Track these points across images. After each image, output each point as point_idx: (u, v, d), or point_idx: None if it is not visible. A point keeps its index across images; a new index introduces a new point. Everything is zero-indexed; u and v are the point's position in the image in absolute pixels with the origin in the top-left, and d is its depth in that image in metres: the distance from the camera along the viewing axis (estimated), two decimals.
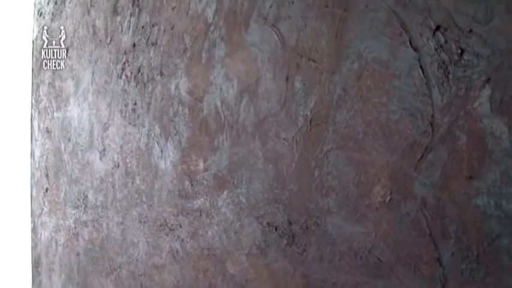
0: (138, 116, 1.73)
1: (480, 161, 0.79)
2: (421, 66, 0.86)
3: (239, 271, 1.28)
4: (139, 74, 1.71)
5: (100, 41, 2.02)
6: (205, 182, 1.40)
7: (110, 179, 1.94)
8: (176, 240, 1.54)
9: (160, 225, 1.63)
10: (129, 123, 1.78)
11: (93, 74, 2.08)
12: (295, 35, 1.09)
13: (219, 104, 1.33)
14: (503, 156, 0.77)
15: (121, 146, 1.85)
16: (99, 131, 2.02)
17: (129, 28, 1.79)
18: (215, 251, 1.37)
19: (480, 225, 0.80)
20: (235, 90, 1.27)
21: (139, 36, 1.72)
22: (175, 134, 1.52)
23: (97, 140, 2.05)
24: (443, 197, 0.84)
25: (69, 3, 2.31)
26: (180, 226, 1.52)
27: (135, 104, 1.74)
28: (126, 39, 1.81)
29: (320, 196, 1.05)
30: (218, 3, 1.33)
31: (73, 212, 2.29)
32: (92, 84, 2.09)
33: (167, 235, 1.59)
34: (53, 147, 2.48)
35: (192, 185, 1.45)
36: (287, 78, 1.11)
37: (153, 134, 1.64)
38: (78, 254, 2.27)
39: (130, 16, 1.78)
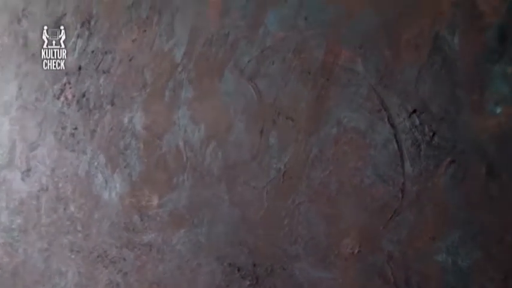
0: (78, 142, 1.68)
1: (442, 225, 0.95)
2: (396, 141, 1.00)
3: None
4: (84, 99, 1.67)
5: (33, 55, 1.92)
6: (158, 218, 1.41)
7: (34, 202, 1.84)
8: (118, 273, 1.52)
9: (98, 257, 1.59)
10: (66, 147, 1.72)
11: (19, 88, 1.96)
12: (273, 93, 1.18)
13: (181, 144, 1.36)
14: (461, 223, 0.93)
15: (52, 170, 1.77)
16: (23, 149, 1.91)
17: (74, 49, 1.74)
18: (165, 286, 1.39)
19: (440, 277, 0.96)
20: (201, 134, 1.32)
21: (87, 60, 1.68)
22: (125, 167, 1.51)
23: (19, 158, 1.93)
24: (409, 252, 0.99)
25: None
26: (124, 259, 1.51)
27: (76, 128, 1.69)
28: (70, 60, 1.75)
29: (288, 243, 1.14)
30: (189, 45, 1.38)
31: None
32: (16, 99, 1.97)
33: (106, 267, 1.56)
34: None
35: (141, 220, 1.45)
36: (261, 132, 1.20)
37: (96, 163, 1.60)
38: None
39: (78, 37, 1.73)
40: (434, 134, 0.96)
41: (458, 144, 0.94)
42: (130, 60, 1.54)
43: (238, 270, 1.23)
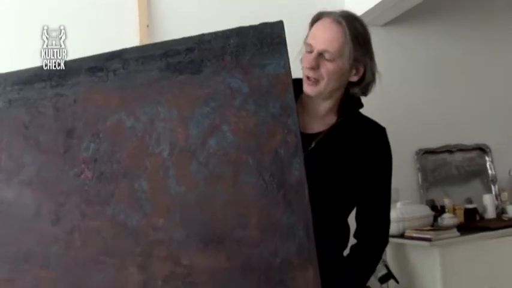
0: (102, 199, 3.14)
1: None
2: (264, 182, 2.90)
3: None
4: (102, 175, 3.14)
5: (49, 149, 3.25)
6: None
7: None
8: None
9: None
10: (92, 202, 3.16)
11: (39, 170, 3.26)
12: None
13: (173, 192, 3.03)
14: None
15: (82, 215, 3.18)
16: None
17: (88, 149, 3.18)
18: None
19: None
20: (183, 189, 3.02)
21: (99, 156, 3.14)
22: (139, 207, 3.07)
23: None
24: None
25: None
26: None
27: (99, 191, 3.15)
28: (85, 155, 3.18)
29: None
30: (171, 146, 3.03)
31: None
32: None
33: None
34: None
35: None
36: None
37: (118, 208, 3.12)
38: None
39: (90, 142, 3.18)
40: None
41: (285, 183, 2.87)
42: (135, 156, 3.10)
43: None
